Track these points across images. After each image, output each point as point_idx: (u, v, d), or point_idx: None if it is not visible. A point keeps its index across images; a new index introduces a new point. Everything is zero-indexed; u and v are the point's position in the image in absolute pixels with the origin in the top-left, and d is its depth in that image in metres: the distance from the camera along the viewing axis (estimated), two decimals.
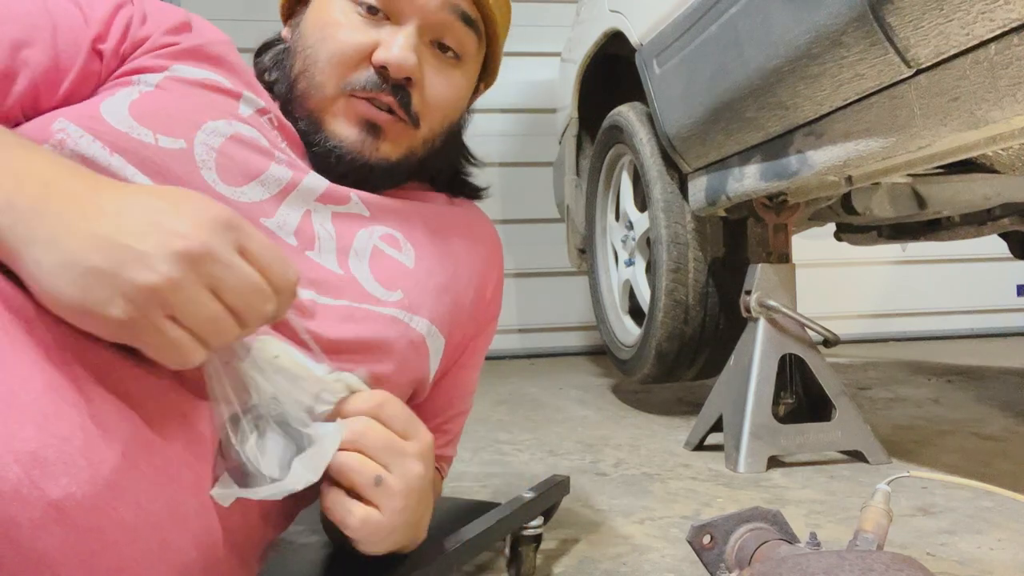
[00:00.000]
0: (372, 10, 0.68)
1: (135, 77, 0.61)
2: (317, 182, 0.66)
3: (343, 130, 0.68)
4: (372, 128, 0.68)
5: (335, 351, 0.58)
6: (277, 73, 0.74)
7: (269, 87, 0.73)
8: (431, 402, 0.75)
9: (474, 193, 0.85)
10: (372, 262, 0.66)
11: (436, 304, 0.70)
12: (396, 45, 0.66)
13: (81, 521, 0.39)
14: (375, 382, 0.59)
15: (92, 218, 0.41)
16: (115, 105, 0.57)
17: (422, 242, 0.72)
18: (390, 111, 0.68)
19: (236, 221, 0.45)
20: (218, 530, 0.49)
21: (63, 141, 0.54)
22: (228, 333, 0.43)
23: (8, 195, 0.41)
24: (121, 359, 0.46)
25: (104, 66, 0.61)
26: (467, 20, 0.71)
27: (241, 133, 0.62)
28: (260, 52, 0.78)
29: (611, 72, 2.13)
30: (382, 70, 0.67)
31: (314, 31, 0.69)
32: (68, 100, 0.59)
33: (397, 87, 0.67)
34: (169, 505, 0.45)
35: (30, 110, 0.57)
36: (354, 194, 0.69)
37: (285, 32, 0.77)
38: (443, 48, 0.71)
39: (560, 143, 2.56)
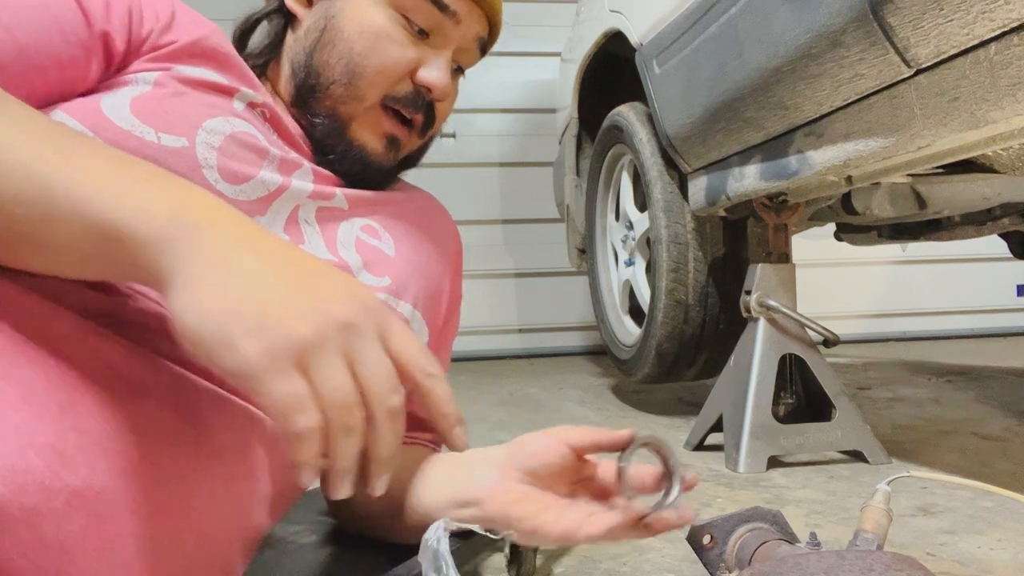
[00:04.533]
0: (422, 33, 0.70)
1: (133, 76, 0.61)
2: (306, 182, 0.67)
3: (370, 141, 0.71)
4: (393, 142, 0.72)
5: None
6: (289, 57, 0.73)
7: (259, 67, 0.73)
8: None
9: (412, 164, 0.85)
10: (357, 252, 0.69)
11: (416, 289, 0.73)
12: (439, 68, 0.70)
13: (100, 510, 0.40)
14: None
15: (257, 260, 0.40)
16: (116, 102, 0.57)
17: (398, 231, 0.74)
18: (410, 124, 0.72)
19: (384, 308, 0.43)
20: (226, 522, 0.49)
21: None
22: (349, 409, 0.40)
23: (174, 210, 0.40)
24: (141, 355, 0.46)
25: (104, 63, 0.60)
26: (482, 47, 0.76)
27: (238, 131, 0.63)
28: (248, 28, 0.75)
29: (611, 72, 2.13)
30: (424, 89, 0.70)
31: (362, 38, 0.69)
32: (64, 96, 0.58)
33: (428, 105, 0.72)
34: (179, 497, 0.45)
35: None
36: (339, 191, 0.70)
37: (297, 8, 0.74)
38: (457, 68, 0.76)
39: (560, 143, 2.57)
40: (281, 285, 0.40)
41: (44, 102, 0.56)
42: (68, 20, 0.56)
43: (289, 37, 0.74)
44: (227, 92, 0.64)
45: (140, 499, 0.42)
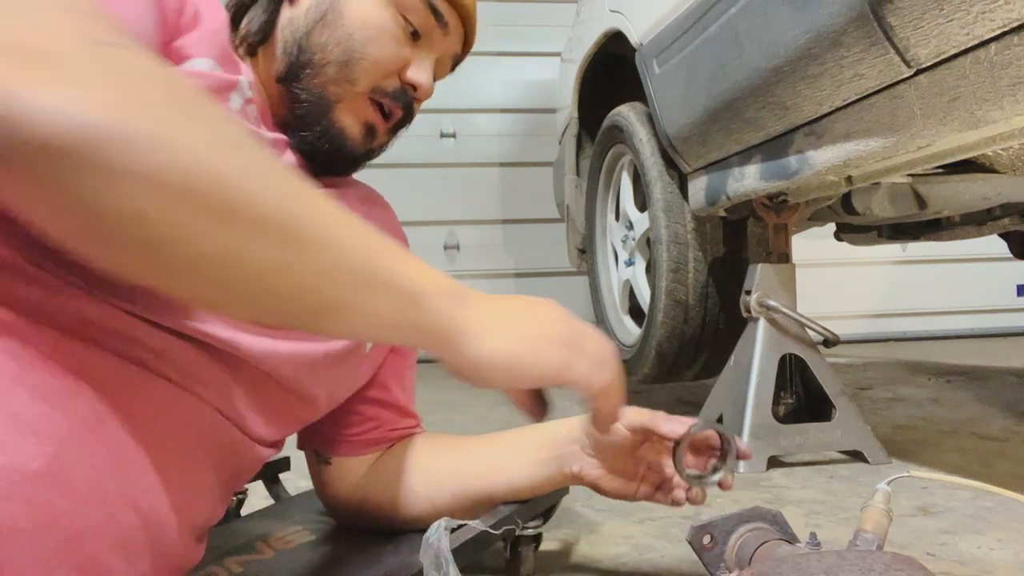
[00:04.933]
0: (415, 35, 0.74)
1: None
2: None
3: (351, 125, 0.73)
4: (371, 131, 0.75)
5: None
6: (283, 33, 0.73)
7: (251, 45, 0.73)
8: (392, 364, 0.83)
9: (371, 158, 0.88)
10: None
11: None
12: (426, 70, 0.75)
13: (30, 494, 0.40)
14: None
15: (520, 305, 0.55)
16: None
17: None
18: (387, 118, 0.75)
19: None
20: (170, 509, 0.50)
21: None
22: (611, 366, 0.57)
23: (452, 284, 0.51)
24: (92, 349, 0.47)
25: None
26: (455, 65, 0.82)
27: None
28: (248, 3, 0.75)
29: (611, 72, 2.13)
30: (409, 87, 0.74)
31: (364, 28, 0.72)
32: None
33: (409, 103, 0.75)
34: (119, 483, 0.45)
35: None
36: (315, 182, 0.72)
37: None
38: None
39: (560, 143, 2.57)
40: (542, 314, 0.55)
41: None
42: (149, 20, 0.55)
43: (285, 14, 0.74)
44: (227, 86, 0.64)
45: (73, 483, 0.43)
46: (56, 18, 0.39)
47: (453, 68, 0.82)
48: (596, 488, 0.74)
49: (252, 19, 0.74)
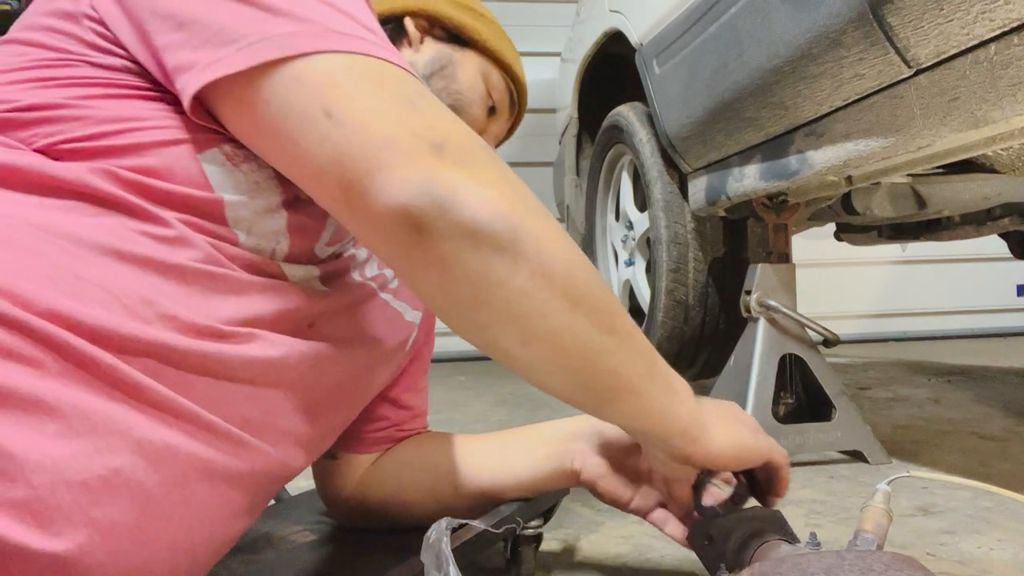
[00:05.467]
0: (492, 110, 0.86)
1: None
2: None
3: None
4: None
5: None
6: None
7: None
8: (410, 366, 0.84)
9: None
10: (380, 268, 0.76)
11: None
12: (492, 139, 0.88)
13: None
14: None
15: (725, 410, 0.66)
16: None
17: None
18: None
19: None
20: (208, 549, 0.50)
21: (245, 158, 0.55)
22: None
23: (697, 405, 0.60)
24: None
25: None
26: (498, 143, 0.93)
27: None
28: None
29: (611, 72, 2.13)
30: None
31: (471, 90, 0.85)
32: None
33: None
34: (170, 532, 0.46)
35: None
36: None
37: (413, 30, 0.85)
38: None
39: (560, 143, 2.57)
40: (739, 412, 0.68)
41: None
42: None
43: (405, 54, 0.81)
44: None
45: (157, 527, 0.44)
46: (450, 116, 0.49)
47: (495, 147, 0.91)
48: (592, 488, 0.74)
49: None
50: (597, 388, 0.54)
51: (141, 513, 0.43)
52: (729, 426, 0.63)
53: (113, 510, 0.41)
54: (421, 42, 0.86)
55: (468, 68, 0.85)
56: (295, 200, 0.55)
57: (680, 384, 0.59)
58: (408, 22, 0.85)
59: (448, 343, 1.43)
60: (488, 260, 0.46)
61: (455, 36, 0.86)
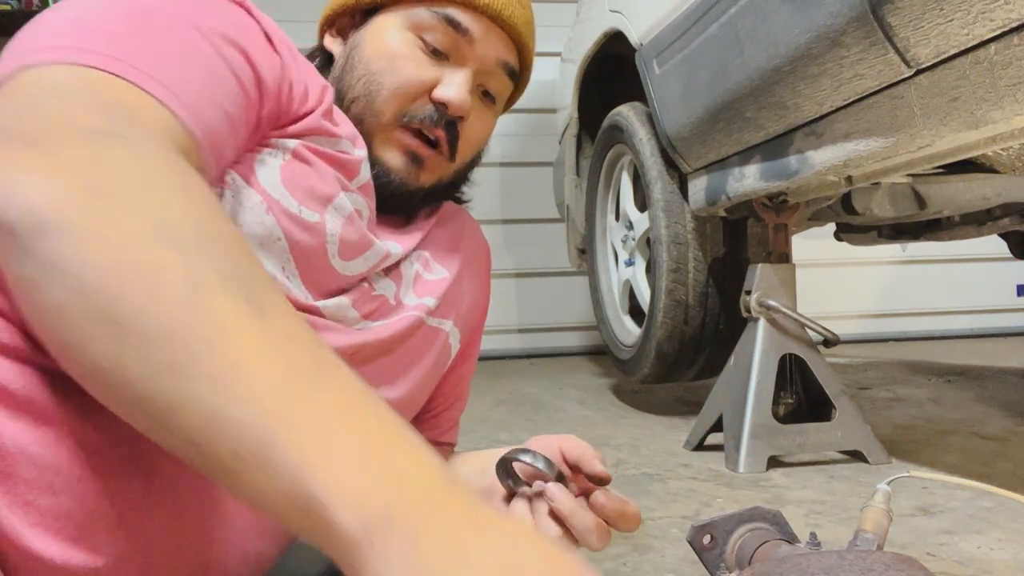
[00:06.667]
0: (437, 53, 0.72)
1: (276, 141, 0.60)
2: (395, 249, 0.72)
3: (392, 159, 0.72)
4: (416, 159, 0.73)
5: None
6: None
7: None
8: (442, 392, 0.84)
9: (459, 202, 0.91)
10: (416, 287, 0.75)
11: (457, 307, 0.80)
12: (456, 85, 0.71)
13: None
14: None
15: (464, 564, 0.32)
16: (268, 170, 0.59)
17: (440, 254, 0.80)
18: (434, 145, 0.73)
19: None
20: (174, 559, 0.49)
21: (227, 185, 0.55)
22: None
23: (391, 504, 0.33)
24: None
25: (258, 130, 0.59)
26: (511, 73, 0.79)
27: (356, 208, 0.65)
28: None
29: (611, 72, 2.13)
30: (441, 106, 0.71)
31: (379, 59, 0.71)
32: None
33: (449, 123, 0.72)
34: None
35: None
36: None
37: (333, 46, 0.77)
38: (485, 93, 0.77)
39: (560, 143, 2.56)
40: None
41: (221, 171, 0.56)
42: (236, 88, 0.54)
43: (331, 74, 0.76)
44: (353, 168, 0.66)
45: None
46: (68, 109, 0.40)
47: (515, 79, 0.79)
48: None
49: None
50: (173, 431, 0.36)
51: (174, 527, 0.43)
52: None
53: (149, 524, 0.41)
54: (338, 54, 0.77)
55: (373, 38, 0.73)
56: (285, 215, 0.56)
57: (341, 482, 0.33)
58: (328, 42, 0.78)
59: None
60: (22, 262, 0.36)
61: (365, 17, 0.75)
